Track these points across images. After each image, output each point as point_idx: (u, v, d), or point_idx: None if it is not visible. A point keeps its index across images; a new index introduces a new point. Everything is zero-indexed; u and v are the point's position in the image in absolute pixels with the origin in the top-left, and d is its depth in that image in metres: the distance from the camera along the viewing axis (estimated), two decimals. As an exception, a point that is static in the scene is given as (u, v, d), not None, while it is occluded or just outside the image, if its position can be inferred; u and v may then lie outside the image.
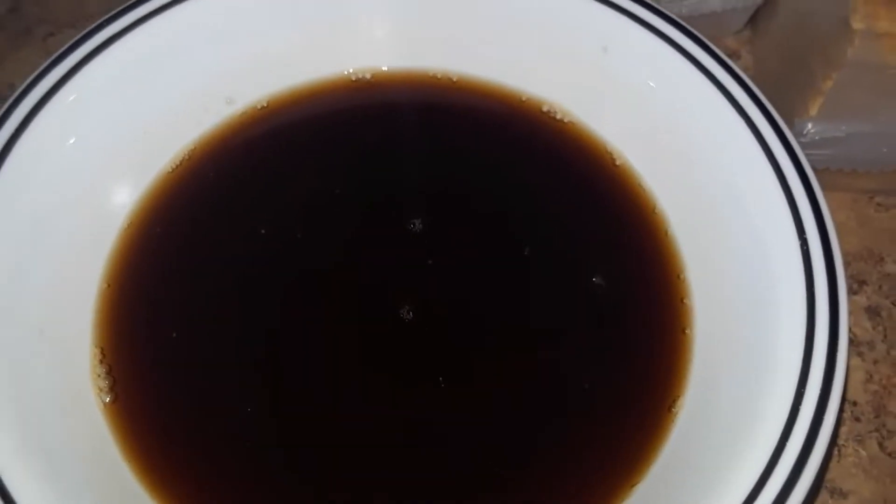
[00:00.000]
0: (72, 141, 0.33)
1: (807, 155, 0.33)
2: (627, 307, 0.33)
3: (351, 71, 0.38)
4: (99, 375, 0.31)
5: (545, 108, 0.38)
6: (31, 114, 0.32)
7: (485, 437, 0.31)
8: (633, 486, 0.29)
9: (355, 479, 0.30)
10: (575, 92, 0.37)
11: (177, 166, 0.36)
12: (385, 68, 0.38)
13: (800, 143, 0.35)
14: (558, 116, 0.37)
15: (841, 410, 0.33)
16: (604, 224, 0.36)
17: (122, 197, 0.35)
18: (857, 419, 0.34)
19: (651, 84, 0.35)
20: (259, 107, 0.38)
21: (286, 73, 0.38)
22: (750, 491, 0.25)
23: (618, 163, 0.36)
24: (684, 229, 0.34)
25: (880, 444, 0.33)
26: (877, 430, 0.34)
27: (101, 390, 0.31)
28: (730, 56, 0.40)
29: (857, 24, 0.34)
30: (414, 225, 0.35)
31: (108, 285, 0.33)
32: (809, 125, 0.37)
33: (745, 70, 0.36)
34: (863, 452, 0.33)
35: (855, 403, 0.34)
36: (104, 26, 0.34)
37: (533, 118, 0.38)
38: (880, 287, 0.37)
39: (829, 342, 0.28)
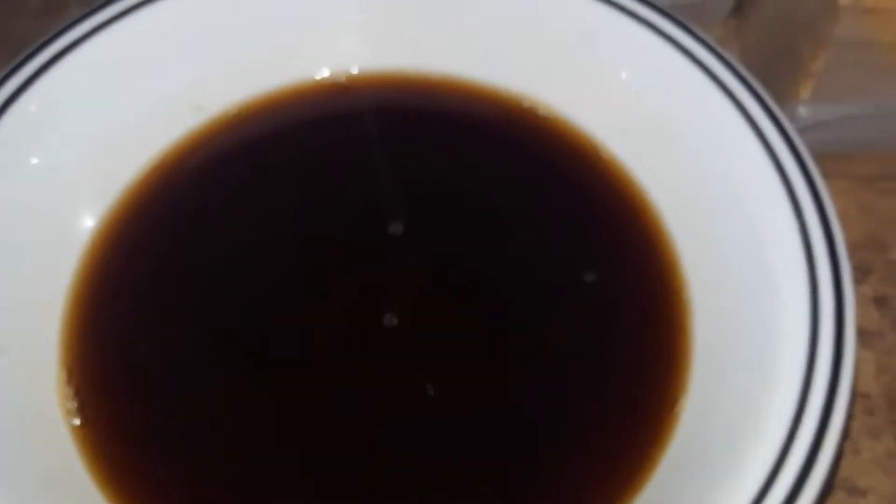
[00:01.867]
0: (34, 160, 0.32)
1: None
2: (622, 304, 0.32)
3: (325, 75, 0.37)
4: (67, 397, 0.30)
5: (526, 105, 0.36)
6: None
7: (479, 444, 0.29)
8: (637, 492, 0.27)
9: (345, 493, 0.28)
10: (555, 85, 0.36)
11: (143, 179, 0.34)
12: (358, 71, 0.37)
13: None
14: (540, 112, 0.36)
15: (852, 404, 0.32)
16: (593, 220, 0.34)
17: (87, 212, 0.33)
18: (871, 413, 0.32)
19: (633, 72, 0.34)
20: (230, 114, 0.36)
21: (257, 78, 0.36)
22: (758, 491, 0.24)
23: (604, 156, 0.35)
24: (678, 221, 0.33)
25: (896, 438, 0.32)
26: (892, 423, 0.32)
27: (69, 412, 0.29)
28: (715, 44, 0.39)
29: (843, 0, 0.33)
30: (395, 229, 0.33)
31: (74, 304, 0.32)
32: (801, 109, 0.36)
33: (731, 58, 0.35)
34: (879, 448, 0.31)
35: (867, 396, 0.33)
36: (63, 33, 0.32)
37: (513, 115, 0.36)
38: (886, 275, 0.36)
39: (835, 330, 0.26)
